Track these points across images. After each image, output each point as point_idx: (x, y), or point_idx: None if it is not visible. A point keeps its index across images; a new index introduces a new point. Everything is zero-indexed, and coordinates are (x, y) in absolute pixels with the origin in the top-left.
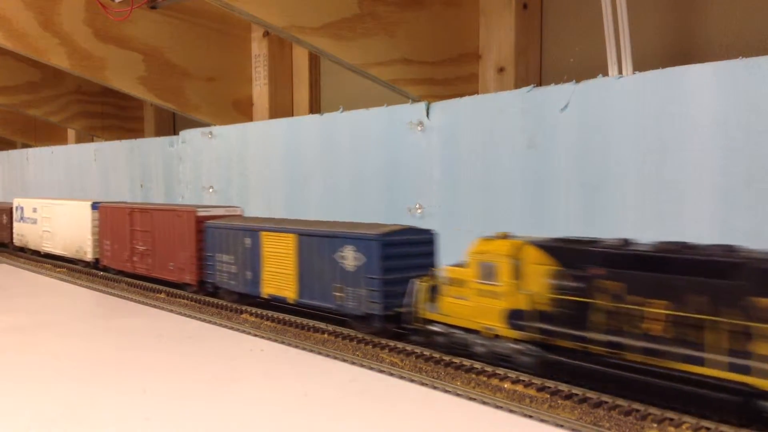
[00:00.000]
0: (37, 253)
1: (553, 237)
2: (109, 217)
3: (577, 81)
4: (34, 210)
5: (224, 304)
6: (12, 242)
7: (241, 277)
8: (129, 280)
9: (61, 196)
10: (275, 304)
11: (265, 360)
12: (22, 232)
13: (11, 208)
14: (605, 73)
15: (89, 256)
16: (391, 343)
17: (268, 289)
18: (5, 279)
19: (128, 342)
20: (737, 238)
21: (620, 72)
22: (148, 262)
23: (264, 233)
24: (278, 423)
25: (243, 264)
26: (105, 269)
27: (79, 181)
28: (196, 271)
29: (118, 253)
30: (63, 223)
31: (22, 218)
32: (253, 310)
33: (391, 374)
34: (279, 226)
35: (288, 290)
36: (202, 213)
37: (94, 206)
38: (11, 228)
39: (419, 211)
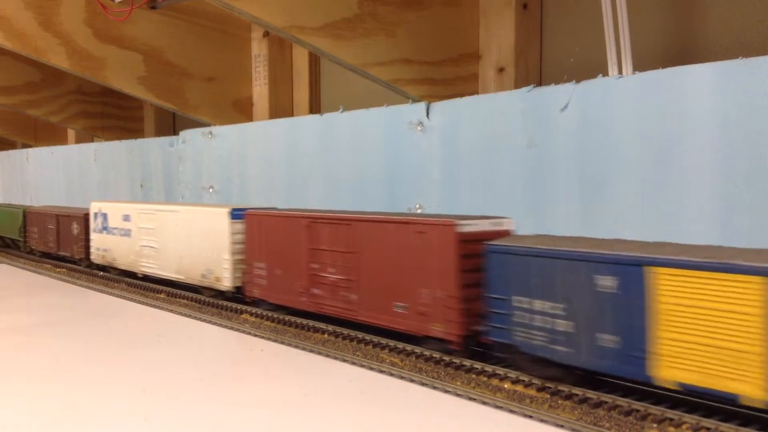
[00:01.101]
0: (130, 274)
1: None
2: (266, 230)
3: (577, 81)
4: (126, 218)
5: (224, 304)
6: (86, 258)
7: (583, 341)
8: (129, 280)
9: (60, 196)
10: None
11: (265, 360)
12: (105, 246)
13: (85, 215)
14: (605, 73)
15: (226, 284)
16: (391, 343)
17: (672, 372)
18: (5, 279)
19: (128, 342)
20: (737, 238)
21: (620, 72)
22: (349, 299)
23: (660, 271)
24: (278, 423)
25: (590, 320)
26: (254, 303)
27: (79, 181)
28: (458, 319)
29: (282, 282)
30: (179, 236)
31: (104, 228)
32: (253, 310)
33: (391, 374)
34: (705, 260)
35: (744, 380)
36: (467, 228)
37: (236, 214)
38: (86, 240)
39: (419, 210)
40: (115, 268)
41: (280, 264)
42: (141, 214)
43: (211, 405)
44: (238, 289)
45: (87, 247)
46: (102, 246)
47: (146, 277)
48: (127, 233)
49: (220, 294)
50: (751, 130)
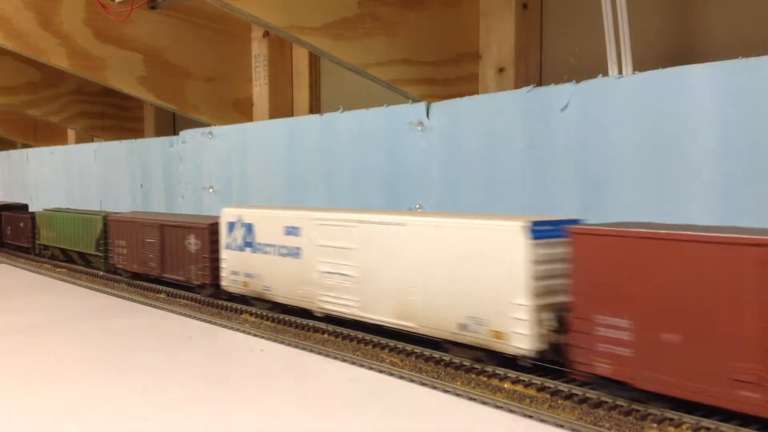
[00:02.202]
0: (289, 310)
1: None
2: (640, 263)
3: (577, 81)
4: (292, 231)
5: (224, 304)
6: (212, 285)
7: None
8: (129, 280)
9: (60, 196)
10: None
11: (265, 360)
12: (250, 270)
13: (212, 226)
14: (605, 73)
15: (520, 345)
16: (391, 343)
17: None
18: (5, 279)
19: (128, 342)
20: None
21: (620, 72)
22: None
23: None
24: (278, 423)
25: None
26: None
27: (79, 181)
28: None
29: (684, 356)
30: (404, 260)
31: (248, 244)
32: (253, 310)
33: (391, 374)
34: None
35: None
36: None
37: (543, 232)
38: (212, 260)
39: (419, 211)
40: (268, 301)
41: (675, 324)
42: (322, 226)
43: (211, 405)
44: (543, 356)
45: (214, 269)
46: (243, 269)
47: (328, 318)
48: (293, 253)
49: (486, 355)
50: (751, 130)
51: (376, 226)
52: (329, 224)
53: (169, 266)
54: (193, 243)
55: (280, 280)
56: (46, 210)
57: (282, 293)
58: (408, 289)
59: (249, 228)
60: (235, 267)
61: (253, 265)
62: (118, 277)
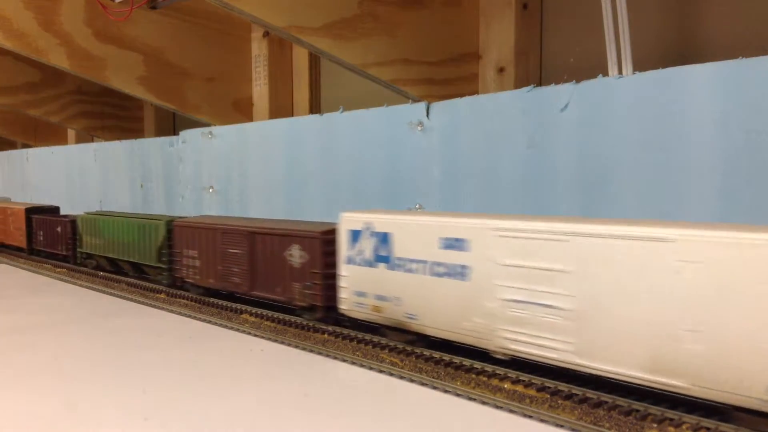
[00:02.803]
0: (443, 346)
1: None
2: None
3: (577, 81)
4: (450, 244)
5: (224, 304)
6: (326, 307)
7: None
8: (129, 280)
9: (60, 196)
10: None
11: (265, 360)
12: (385, 292)
13: (324, 235)
14: (605, 73)
15: None
16: (391, 343)
17: None
18: (5, 279)
19: (128, 342)
20: None
21: (620, 72)
22: None
23: None
24: (278, 423)
25: None
26: None
27: (79, 181)
28: None
29: None
30: (670, 294)
31: (382, 259)
32: (253, 310)
33: (391, 374)
34: None
35: None
36: None
37: None
38: (326, 275)
39: (419, 210)
40: (413, 333)
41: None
42: (508, 238)
43: (211, 405)
44: None
45: (328, 288)
46: (373, 290)
47: (512, 362)
48: (457, 273)
49: None
50: (751, 130)
51: (609, 242)
52: (520, 236)
53: (261, 283)
54: (297, 255)
55: (433, 307)
56: (89, 213)
57: (437, 324)
58: (676, 334)
59: (384, 238)
60: (361, 287)
61: (389, 286)
62: (118, 277)
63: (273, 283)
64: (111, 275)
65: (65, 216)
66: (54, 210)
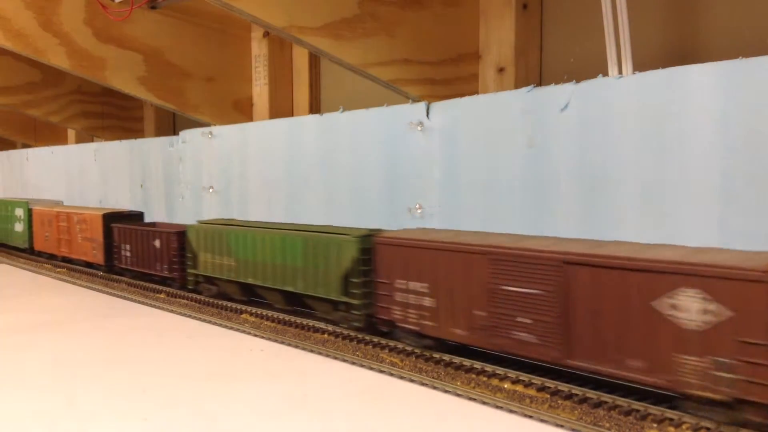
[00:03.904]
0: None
1: None
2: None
3: (577, 81)
4: None
5: (224, 304)
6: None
7: None
8: (129, 280)
9: (60, 196)
10: None
11: (265, 360)
12: None
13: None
14: (605, 73)
15: None
16: (391, 343)
17: None
18: (5, 279)
19: (128, 342)
20: (737, 238)
21: (620, 72)
22: None
23: None
24: (278, 423)
25: None
26: None
27: (79, 181)
28: None
29: None
30: None
31: None
32: (253, 310)
33: (391, 374)
34: None
35: None
36: None
37: None
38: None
39: (419, 211)
40: None
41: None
42: None
43: (211, 405)
44: None
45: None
46: None
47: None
48: None
49: None
50: (751, 130)
51: None
52: None
53: (592, 348)
54: (689, 308)
55: None
56: (206, 223)
57: None
58: None
59: None
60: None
61: None
62: (118, 276)
63: (625, 351)
64: (111, 275)
65: (161, 225)
66: (137, 216)
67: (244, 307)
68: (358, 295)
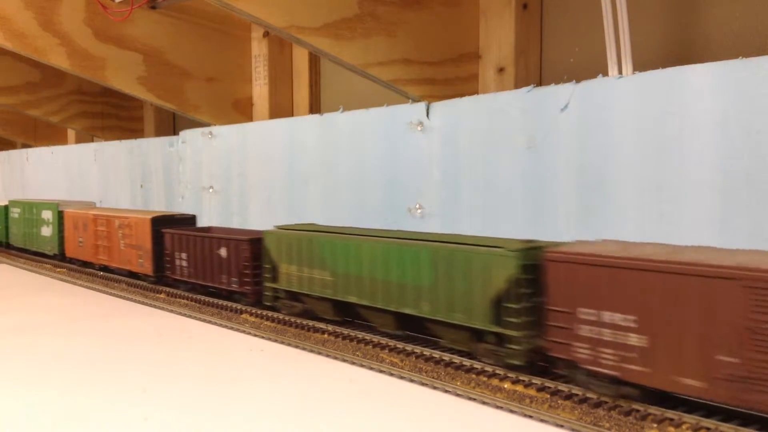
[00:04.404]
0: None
1: None
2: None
3: (577, 81)
4: None
5: (224, 304)
6: None
7: None
8: (129, 280)
9: (60, 196)
10: None
11: (265, 360)
12: None
13: None
14: (605, 73)
15: None
16: (391, 343)
17: None
18: (5, 279)
19: (128, 342)
20: (737, 238)
21: (620, 72)
22: None
23: None
24: (278, 423)
25: None
26: None
27: (79, 181)
28: None
29: None
30: None
31: None
32: (253, 310)
33: (391, 374)
34: None
35: None
36: None
37: None
38: None
39: (419, 211)
40: None
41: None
42: None
43: (211, 405)
44: None
45: None
46: None
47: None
48: None
49: None
50: (751, 130)
51: None
52: None
53: None
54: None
55: None
56: (289, 229)
57: None
58: None
59: None
60: None
61: None
62: (118, 276)
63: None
64: (111, 275)
65: (217, 230)
66: (188, 220)
67: (244, 308)
68: (518, 325)
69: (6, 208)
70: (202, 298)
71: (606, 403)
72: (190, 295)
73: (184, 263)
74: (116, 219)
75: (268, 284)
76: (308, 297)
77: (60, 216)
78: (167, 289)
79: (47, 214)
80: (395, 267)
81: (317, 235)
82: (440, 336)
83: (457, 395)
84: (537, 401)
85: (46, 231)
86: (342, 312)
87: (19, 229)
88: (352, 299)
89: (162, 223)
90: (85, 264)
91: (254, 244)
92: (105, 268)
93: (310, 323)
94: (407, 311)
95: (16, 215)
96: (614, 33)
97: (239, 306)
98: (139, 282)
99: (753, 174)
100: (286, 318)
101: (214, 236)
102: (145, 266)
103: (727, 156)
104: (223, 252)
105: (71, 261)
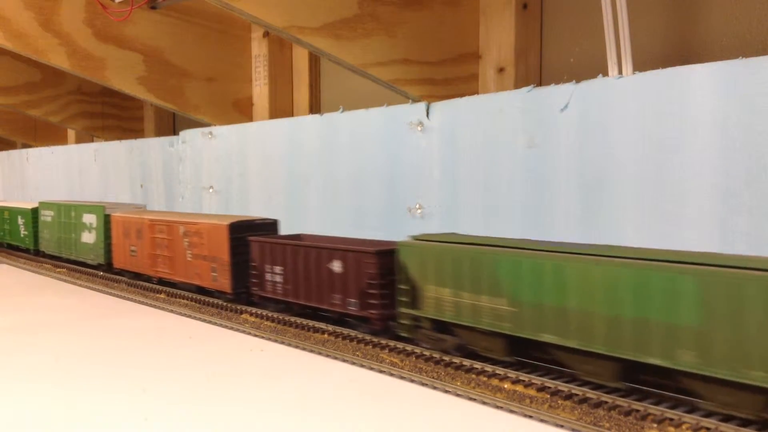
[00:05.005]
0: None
1: None
2: None
3: (577, 81)
4: None
5: (224, 304)
6: None
7: None
8: (129, 280)
9: (60, 196)
10: None
11: (265, 360)
12: None
13: None
14: (605, 73)
15: None
16: (391, 343)
17: None
18: (5, 279)
19: (128, 342)
20: (737, 238)
21: (620, 72)
22: None
23: None
24: (278, 423)
25: None
26: None
27: (79, 181)
28: None
29: None
30: None
31: None
32: (253, 310)
33: (391, 374)
34: None
35: None
36: None
37: None
38: None
39: (419, 211)
40: None
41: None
42: None
43: (211, 405)
44: None
45: None
46: None
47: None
48: None
49: None
50: (751, 130)
51: None
52: None
53: None
54: None
55: None
56: (434, 240)
57: None
58: None
59: None
60: None
61: None
62: (118, 276)
63: None
64: (111, 275)
65: (308, 237)
66: (270, 226)
67: (244, 308)
68: None
69: (35, 210)
70: (202, 298)
71: (606, 403)
72: (190, 295)
73: (278, 279)
74: (181, 225)
75: (405, 310)
76: (468, 330)
77: (106, 220)
78: (167, 288)
79: (90, 218)
80: (631, 298)
81: (488, 250)
82: (706, 396)
83: (457, 395)
84: (537, 401)
85: (88, 237)
86: (519, 351)
87: (53, 235)
88: (549, 338)
89: (241, 230)
90: (137, 276)
91: (383, 257)
92: (162, 282)
93: (310, 323)
94: (652, 361)
95: (49, 218)
96: (614, 33)
97: (239, 306)
98: (138, 282)
99: (753, 174)
100: (286, 318)
101: (325, 247)
102: (221, 281)
103: (727, 156)
104: (336, 266)
105: (120, 273)
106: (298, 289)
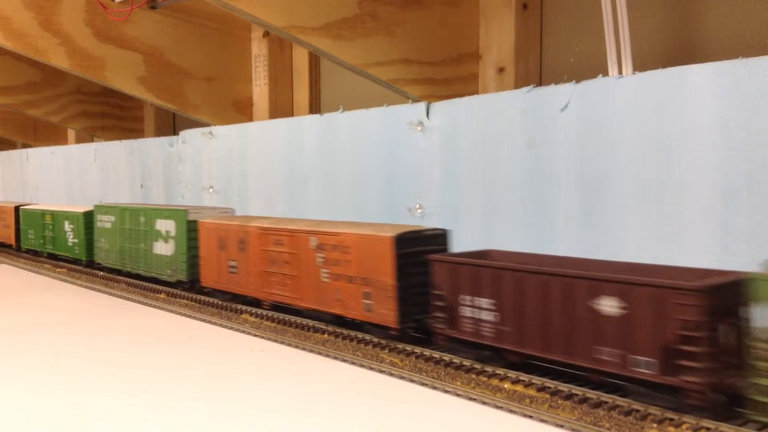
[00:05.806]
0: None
1: None
2: None
3: (577, 81)
4: None
5: (224, 304)
6: None
7: None
8: (129, 280)
9: (60, 196)
10: None
11: (265, 360)
12: None
13: None
14: (605, 73)
15: None
16: (391, 344)
17: None
18: (5, 279)
19: (128, 342)
20: (737, 238)
21: (620, 72)
22: None
23: None
24: (278, 423)
25: None
26: None
27: (79, 181)
28: None
29: None
30: None
31: None
32: (253, 310)
33: (391, 374)
34: None
35: None
36: None
37: None
38: None
39: (419, 211)
40: None
41: None
42: None
43: (211, 405)
44: None
45: None
46: None
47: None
48: None
49: None
50: (751, 130)
51: None
52: None
53: None
54: None
55: None
56: None
57: None
58: None
59: None
60: None
61: None
62: (118, 277)
63: None
64: (111, 275)
65: (496, 254)
66: (438, 238)
67: (244, 308)
68: None
69: (89, 214)
70: (202, 298)
71: (606, 403)
72: (190, 295)
73: (487, 316)
74: (312, 235)
75: (760, 381)
76: None
77: (190, 228)
78: (167, 289)
79: (166, 225)
80: None
81: None
82: None
83: (457, 395)
84: (537, 401)
85: (163, 248)
86: None
87: (114, 244)
88: None
89: (408, 243)
90: (236, 297)
91: (711, 296)
92: (277, 308)
93: (310, 323)
94: None
95: (108, 225)
96: (614, 33)
97: (239, 306)
98: (138, 282)
99: (753, 174)
100: (286, 318)
101: (586, 276)
102: (379, 312)
103: (727, 156)
104: (607, 305)
105: (210, 293)
106: (523, 333)
